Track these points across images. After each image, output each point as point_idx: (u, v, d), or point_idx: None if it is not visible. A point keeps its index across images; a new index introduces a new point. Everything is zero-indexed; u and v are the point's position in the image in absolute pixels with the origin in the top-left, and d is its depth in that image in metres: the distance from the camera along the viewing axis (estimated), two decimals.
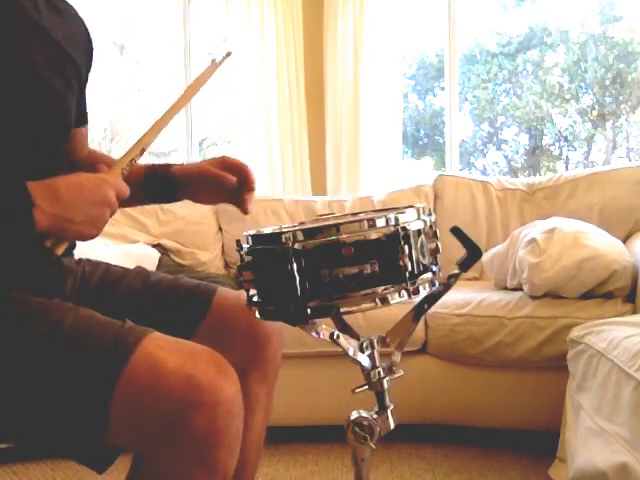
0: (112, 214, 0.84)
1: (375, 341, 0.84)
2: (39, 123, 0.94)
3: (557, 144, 4.55)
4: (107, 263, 1.12)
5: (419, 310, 0.87)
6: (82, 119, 1.10)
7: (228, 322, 1.06)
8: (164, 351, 0.78)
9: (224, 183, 1.03)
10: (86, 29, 1.08)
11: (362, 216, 0.85)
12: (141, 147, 0.93)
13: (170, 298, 1.07)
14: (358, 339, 0.85)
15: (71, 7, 1.05)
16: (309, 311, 0.75)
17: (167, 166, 1.10)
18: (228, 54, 1.05)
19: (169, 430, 0.74)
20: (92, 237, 0.82)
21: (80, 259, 1.09)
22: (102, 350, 0.77)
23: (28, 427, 0.81)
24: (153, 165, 1.11)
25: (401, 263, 0.75)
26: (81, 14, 1.07)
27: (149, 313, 0.91)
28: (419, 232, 0.80)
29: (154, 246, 2.54)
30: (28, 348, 0.78)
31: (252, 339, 1.06)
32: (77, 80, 1.04)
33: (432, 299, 0.85)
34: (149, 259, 2.39)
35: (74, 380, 0.76)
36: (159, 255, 2.48)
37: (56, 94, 0.98)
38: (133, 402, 0.75)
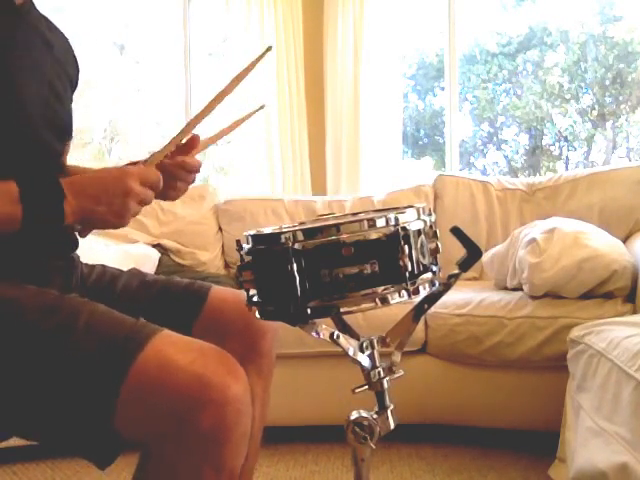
0: (144, 203, 0.87)
1: (375, 341, 0.85)
2: (52, 124, 0.98)
3: (557, 144, 4.54)
4: (102, 265, 1.14)
5: (419, 310, 0.87)
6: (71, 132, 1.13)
7: (223, 319, 1.07)
8: (174, 349, 0.79)
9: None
10: (75, 57, 1.14)
11: (362, 216, 0.85)
12: (175, 143, 0.95)
13: (165, 297, 1.09)
14: (358, 339, 0.86)
15: (64, 35, 1.11)
16: (309, 311, 0.75)
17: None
18: (269, 48, 1.02)
19: (177, 427, 0.75)
20: (121, 225, 0.87)
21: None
22: (113, 346, 0.78)
23: (37, 419, 0.82)
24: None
25: (401, 263, 0.76)
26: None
27: (145, 312, 0.92)
28: (419, 232, 0.80)
29: (154, 246, 2.54)
30: (42, 340, 0.80)
31: (247, 334, 1.07)
32: (70, 94, 1.10)
33: (432, 299, 0.85)
34: (149, 259, 2.39)
35: (84, 374, 0.77)
36: (159, 255, 2.48)
37: (62, 99, 1.03)
38: (142, 398, 0.76)
